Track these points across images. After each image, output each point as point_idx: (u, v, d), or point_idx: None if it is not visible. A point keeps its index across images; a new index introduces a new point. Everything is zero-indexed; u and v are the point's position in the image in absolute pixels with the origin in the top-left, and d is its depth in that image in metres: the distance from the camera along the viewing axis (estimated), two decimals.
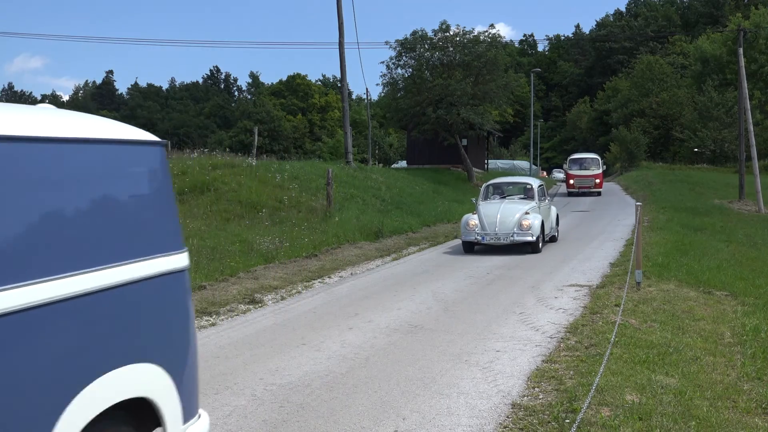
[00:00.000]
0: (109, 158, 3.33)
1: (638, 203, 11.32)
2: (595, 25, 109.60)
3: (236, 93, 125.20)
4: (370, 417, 5.39)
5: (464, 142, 39.48)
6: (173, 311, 3.67)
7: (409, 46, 38.01)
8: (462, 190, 33.29)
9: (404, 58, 38.28)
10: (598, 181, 36.18)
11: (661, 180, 43.14)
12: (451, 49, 38.01)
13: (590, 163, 37.14)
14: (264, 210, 17.71)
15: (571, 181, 36.72)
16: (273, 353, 7.26)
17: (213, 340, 7.90)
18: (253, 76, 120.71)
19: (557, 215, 17.80)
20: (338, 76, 38.70)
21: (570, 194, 36.19)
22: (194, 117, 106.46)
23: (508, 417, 5.35)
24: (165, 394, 3.42)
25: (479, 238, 15.01)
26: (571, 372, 6.35)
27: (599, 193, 35.83)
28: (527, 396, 5.83)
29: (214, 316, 9.13)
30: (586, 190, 35.93)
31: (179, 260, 3.69)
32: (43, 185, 2.85)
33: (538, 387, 6.03)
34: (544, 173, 71.97)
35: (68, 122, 3.20)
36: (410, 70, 38.62)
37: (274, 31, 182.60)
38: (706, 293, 10.25)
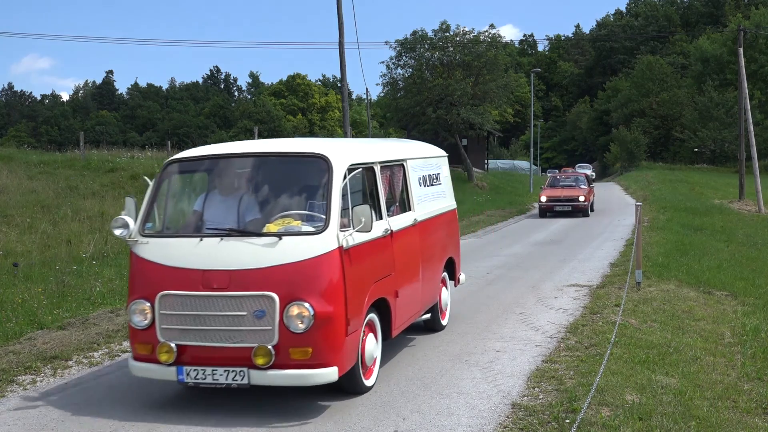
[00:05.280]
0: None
1: (638, 203, 11.33)
2: (596, 25, 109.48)
3: (236, 93, 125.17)
4: (370, 417, 5.39)
5: (464, 142, 39.47)
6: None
7: (409, 46, 38.00)
8: (462, 190, 33.23)
9: (404, 58, 38.29)
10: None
11: (661, 180, 43.15)
12: (451, 49, 38.00)
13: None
14: None
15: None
16: None
17: None
18: (253, 76, 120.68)
19: None
20: (338, 76, 38.77)
21: None
22: (194, 117, 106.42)
23: (508, 417, 5.35)
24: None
25: None
26: (571, 372, 6.35)
27: None
28: (527, 396, 5.83)
29: None
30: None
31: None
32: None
33: (538, 387, 6.04)
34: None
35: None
36: (410, 70, 38.62)
37: (274, 31, 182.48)
38: (706, 293, 10.26)
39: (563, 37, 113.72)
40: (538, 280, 11.53)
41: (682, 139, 65.55)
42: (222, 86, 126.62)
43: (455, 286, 8.82)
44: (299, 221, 5.52)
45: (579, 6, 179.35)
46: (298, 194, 5.80)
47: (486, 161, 48.47)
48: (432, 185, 7.99)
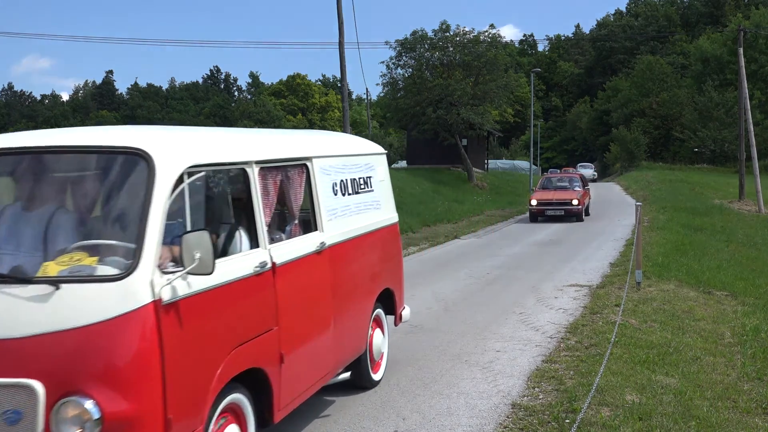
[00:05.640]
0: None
1: (638, 203, 11.33)
2: (596, 25, 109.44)
3: (236, 93, 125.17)
4: (370, 417, 5.40)
5: (464, 142, 39.45)
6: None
7: (409, 46, 38.01)
8: (462, 190, 33.29)
9: (404, 58, 38.29)
10: None
11: (661, 180, 43.13)
12: (451, 49, 38.02)
13: None
14: None
15: None
16: None
17: None
18: (253, 76, 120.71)
19: None
20: (338, 76, 38.80)
21: None
22: (194, 117, 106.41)
23: (508, 417, 5.36)
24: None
25: None
26: (571, 372, 6.36)
27: None
28: (527, 396, 5.83)
29: None
30: None
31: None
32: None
33: (538, 387, 6.04)
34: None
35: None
36: (410, 70, 38.63)
37: (274, 31, 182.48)
38: (706, 293, 10.26)
39: (563, 37, 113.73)
40: (538, 280, 11.53)
41: (682, 139, 65.52)
42: (222, 86, 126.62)
43: (396, 324, 6.71)
44: (96, 257, 3.36)
45: (579, 6, 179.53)
46: (106, 212, 3.67)
47: (486, 161, 48.42)
48: (358, 193, 5.80)
